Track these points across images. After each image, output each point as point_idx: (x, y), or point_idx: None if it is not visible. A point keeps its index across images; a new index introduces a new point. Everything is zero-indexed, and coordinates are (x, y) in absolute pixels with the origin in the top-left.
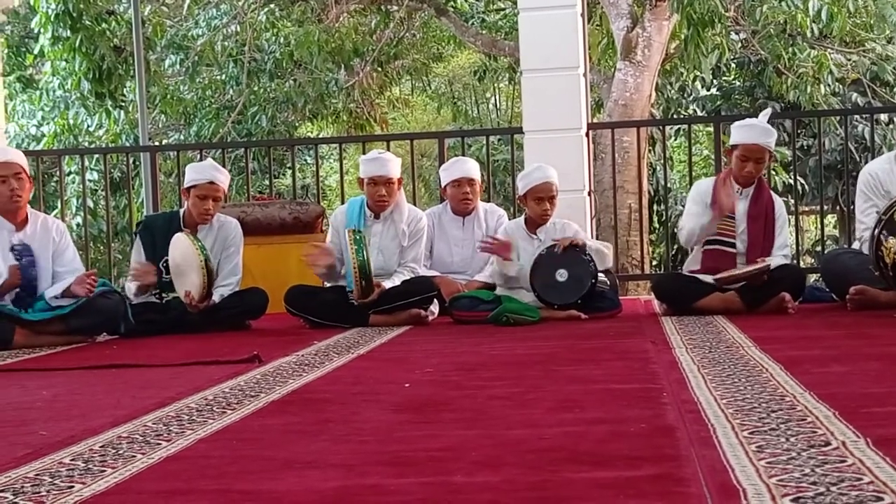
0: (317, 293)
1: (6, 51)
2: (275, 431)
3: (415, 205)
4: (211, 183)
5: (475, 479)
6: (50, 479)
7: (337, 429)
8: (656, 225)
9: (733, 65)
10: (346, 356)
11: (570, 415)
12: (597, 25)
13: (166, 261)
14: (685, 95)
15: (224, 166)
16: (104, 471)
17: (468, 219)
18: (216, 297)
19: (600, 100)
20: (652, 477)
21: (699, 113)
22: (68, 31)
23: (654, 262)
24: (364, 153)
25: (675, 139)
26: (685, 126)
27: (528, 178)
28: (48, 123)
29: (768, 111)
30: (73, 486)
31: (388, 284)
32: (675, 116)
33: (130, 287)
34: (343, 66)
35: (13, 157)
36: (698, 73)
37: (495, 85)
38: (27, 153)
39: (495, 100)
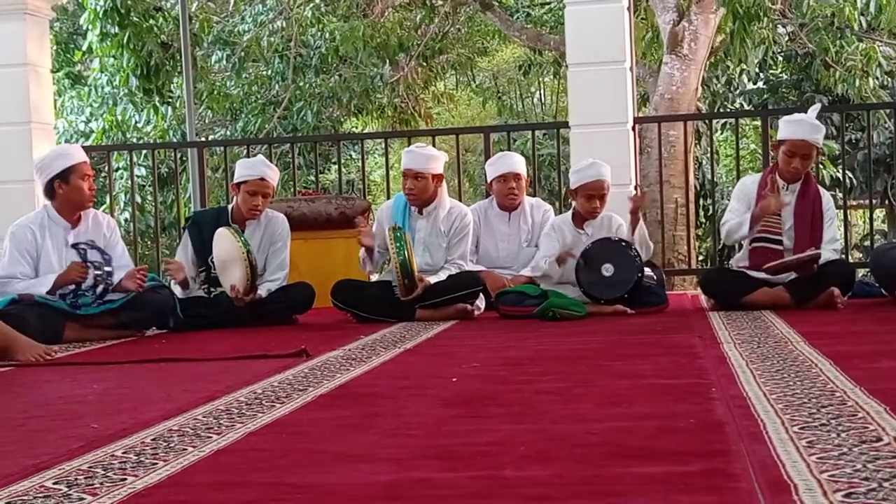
0: (363, 288)
1: (55, 47)
2: (324, 425)
3: (459, 200)
4: (261, 179)
5: (525, 473)
6: (103, 472)
7: (386, 423)
8: (702, 220)
9: (780, 58)
10: (392, 350)
11: (618, 410)
12: (642, 19)
13: (213, 257)
14: (731, 89)
15: (270, 161)
16: (156, 463)
17: (514, 214)
18: (263, 292)
19: (646, 94)
20: (702, 472)
21: (746, 107)
22: (116, 28)
23: (700, 257)
24: None
25: (722, 133)
26: (731, 120)
27: (582, 174)
28: (96, 120)
29: (817, 107)
30: (125, 479)
31: (433, 279)
32: (721, 110)
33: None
34: (388, 61)
35: (87, 157)
36: (745, 67)
37: (540, 79)
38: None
39: (540, 94)
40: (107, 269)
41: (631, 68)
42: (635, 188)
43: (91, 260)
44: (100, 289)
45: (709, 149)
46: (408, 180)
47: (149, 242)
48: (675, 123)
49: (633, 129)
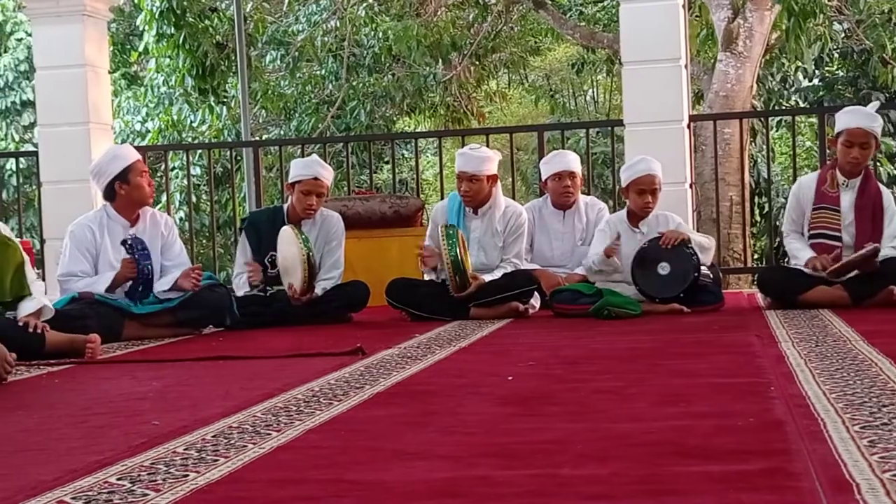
0: (418, 286)
1: (111, 48)
2: (382, 423)
3: (513, 199)
4: (315, 179)
5: (582, 471)
6: (165, 468)
7: (443, 421)
8: (757, 218)
9: (836, 55)
10: (447, 349)
11: (675, 409)
12: (696, 16)
13: (271, 255)
14: (787, 87)
15: (324, 161)
16: (217, 460)
17: (569, 212)
18: (318, 291)
19: (700, 92)
20: (762, 471)
21: (801, 104)
22: (172, 29)
23: (755, 256)
24: (463, 147)
25: (777, 131)
26: (787, 118)
27: (632, 170)
28: (152, 119)
29: (875, 104)
30: (187, 475)
31: (488, 278)
32: (776, 108)
33: (238, 283)
34: (441, 59)
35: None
36: (800, 64)
37: (593, 77)
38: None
39: (593, 92)
40: (146, 262)
41: (686, 66)
42: (690, 186)
43: (138, 255)
44: (142, 282)
45: (764, 146)
46: (463, 182)
47: (203, 241)
48: (729, 121)
49: (689, 126)
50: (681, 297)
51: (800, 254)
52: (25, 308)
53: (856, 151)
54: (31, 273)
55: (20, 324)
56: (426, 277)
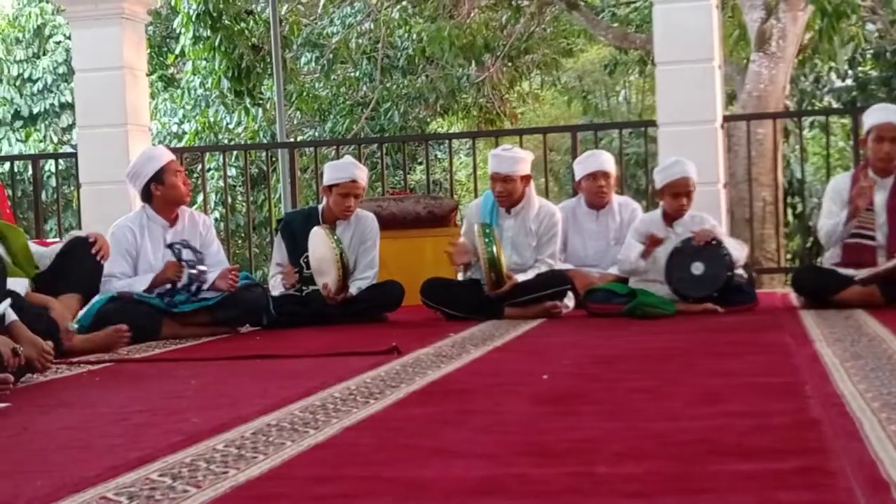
0: (452, 286)
1: (148, 51)
2: (418, 421)
3: (546, 199)
4: (353, 181)
5: (619, 469)
6: (206, 465)
7: (479, 419)
8: (790, 218)
9: (869, 55)
10: (482, 348)
11: (711, 408)
12: (729, 17)
13: (307, 256)
14: (820, 87)
15: (358, 161)
16: (256, 457)
17: (602, 212)
18: (353, 290)
19: (733, 92)
20: (799, 470)
21: (834, 104)
22: (208, 31)
23: (788, 256)
24: (496, 148)
25: (809, 131)
26: (819, 118)
27: (666, 173)
28: (189, 121)
29: None
30: (227, 472)
31: (521, 278)
32: (809, 108)
33: (274, 283)
34: (474, 61)
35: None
36: (833, 64)
37: (625, 78)
38: (170, 150)
39: (625, 93)
40: (200, 267)
41: (719, 66)
42: (724, 186)
43: (185, 259)
44: (194, 287)
45: (797, 147)
46: (496, 183)
47: (239, 242)
48: (763, 122)
49: (722, 127)
50: (715, 296)
51: (836, 219)
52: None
53: (887, 146)
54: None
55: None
56: (460, 277)
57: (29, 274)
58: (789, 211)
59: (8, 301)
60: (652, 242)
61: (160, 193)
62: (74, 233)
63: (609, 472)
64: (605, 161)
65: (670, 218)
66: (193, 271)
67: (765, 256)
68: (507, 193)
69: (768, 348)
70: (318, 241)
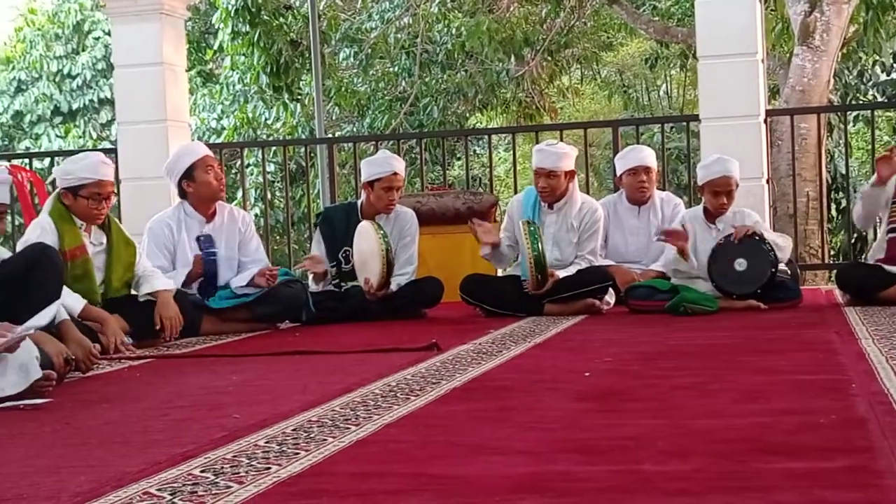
0: (492, 282)
1: (187, 46)
2: (459, 418)
3: (587, 195)
4: (394, 173)
5: (664, 467)
6: (247, 461)
7: (521, 416)
8: (834, 213)
9: None
10: (522, 345)
11: (756, 405)
12: (771, 10)
13: (345, 251)
14: (864, 81)
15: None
16: (298, 453)
17: (644, 208)
18: (393, 286)
19: (775, 86)
20: (846, 468)
21: (878, 98)
22: (247, 27)
23: (832, 252)
24: (537, 143)
25: (854, 125)
26: (863, 112)
27: (707, 170)
28: (228, 117)
29: None
30: (269, 468)
31: (562, 274)
32: (853, 102)
33: (310, 277)
34: (513, 55)
35: (209, 150)
36: (878, 58)
37: (666, 72)
38: (209, 146)
39: (666, 87)
40: (212, 250)
41: (762, 60)
42: (767, 181)
43: (206, 251)
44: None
45: (841, 141)
46: (541, 178)
47: (278, 237)
48: (806, 116)
49: (765, 122)
50: (758, 293)
51: (863, 194)
52: None
53: None
54: (146, 265)
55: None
56: (499, 273)
57: (125, 291)
58: (833, 206)
59: (59, 302)
60: (675, 238)
61: (192, 190)
62: (31, 238)
63: (654, 469)
64: (647, 156)
65: (712, 214)
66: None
67: (809, 252)
68: (551, 189)
69: (813, 345)
70: (366, 236)
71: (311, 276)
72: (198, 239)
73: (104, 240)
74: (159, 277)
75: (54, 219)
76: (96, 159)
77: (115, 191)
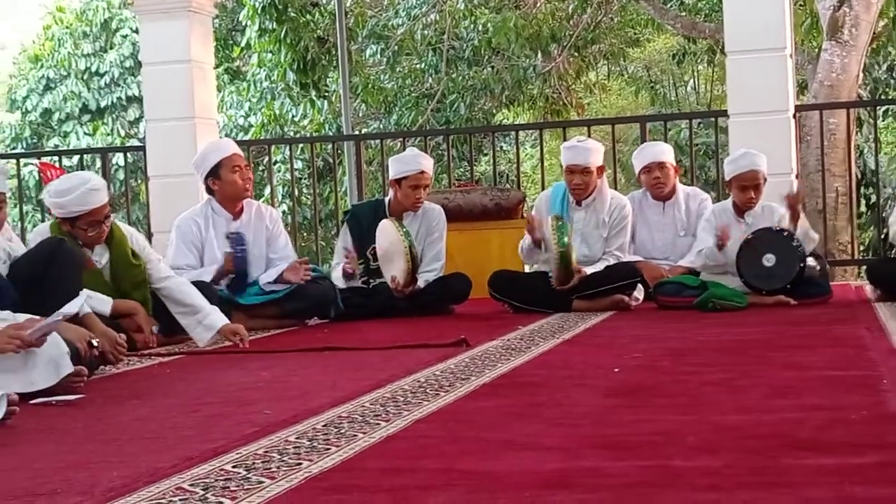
0: (520, 278)
1: (214, 43)
2: (489, 413)
3: (615, 191)
4: (421, 172)
5: (694, 463)
6: (279, 456)
7: (550, 412)
8: (863, 209)
9: None
10: (551, 341)
11: (786, 401)
12: (800, 5)
13: (373, 248)
14: (894, 75)
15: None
16: (328, 448)
17: (668, 203)
18: (421, 283)
19: (804, 81)
20: (877, 464)
21: None
22: (274, 24)
23: (862, 248)
24: (564, 139)
25: (883, 120)
26: (893, 107)
27: (735, 165)
28: (255, 114)
29: None
30: (300, 463)
31: (591, 270)
32: (882, 97)
33: (336, 275)
34: (540, 51)
35: (237, 148)
36: None
37: (694, 68)
38: (237, 143)
39: (694, 83)
40: (240, 247)
41: (791, 56)
42: (796, 177)
43: (236, 248)
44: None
45: (870, 136)
46: (574, 176)
47: (305, 234)
48: (835, 111)
49: (794, 117)
50: (787, 288)
51: None
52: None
53: None
54: (164, 271)
55: None
56: (526, 269)
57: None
58: (862, 202)
59: (85, 294)
60: (724, 237)
61: (218, 188)
62: (43, 233)
63: (685, 465)
64: (659, 152)
65: (740, 209)
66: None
67: (838, 248)
68: (585, 185)
69: (843, 341)
70: (387, 234)
71: (336, 272)
72: (228, 236)
73: (106, 256)
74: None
75: (54, 234)
76: (84, 189)
77: (111, 209)
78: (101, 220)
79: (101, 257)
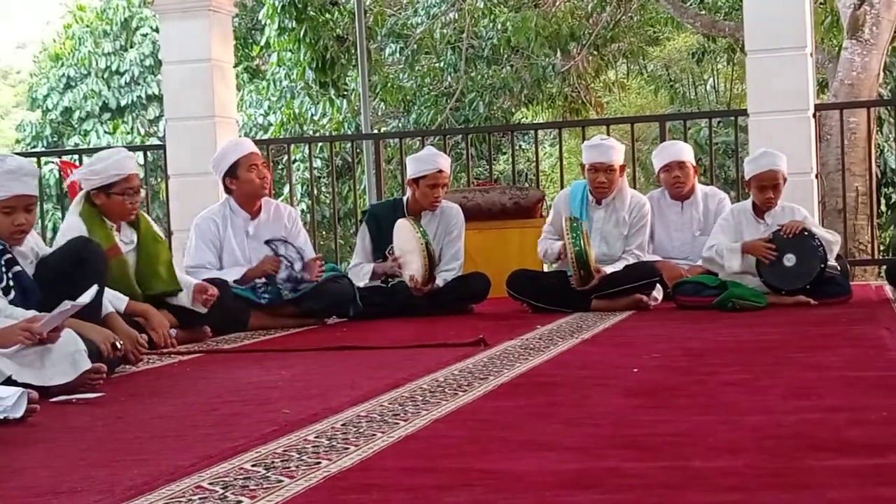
0: (539, 278)
1: (233, 42)
2: (508, 413)
3: (635, 190)
4: (439, 171)
5: (715, 464)
6: (297, 455)
7: (569, 412)
8: (883, 208)
9: None
10: (570, 340)
11: (806, 402)
12: (820, 3)
13: (391, 248)
14: None
15: (444, 153)
16: (347, 448)
17: (686, 203)
18: (439, 282)
19: (824, 80)
20: None
21: None
22: (293, 23)
23: (882, 247)
24: (583, 138)
25: None
26: None
27: (754, 164)
28: (274, 113)
29: None
30: (319, 462)
31: (610, 269)
32: None
33: (357, 273)
34: (559, 50)
35: (255, 147)
36: None
37: (713, 66)
38: (256, 142)
39: (713, 81)
40: (297, 265)
41: (811, 54)
42: (816, 176)
43: (283, 254)
44: (290, 285)
45: (890, 136)
46: (599, 174)
47: (324, 233)
48: (855, 110)
49: (814, 116)
50: (807, 289)
51: None
52: (181, 300)
53: None
54: (180, 271)
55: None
56: (545, 268)
57: (172, 288)
58: (882, 201)
59: (95, 288)
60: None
61: (235, 187)
62: (74, 228)
63: (705, 466)
64: (679, 151)
65: (760, 209)
66: (296, 273)
67: (858, 248)
68: (609, 183)
69: (863, 341)
70: (404, 233)
71: (359, 271)
72: (268, 242)
73: (135, 237)
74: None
75: (84, 220)
76: (123, 155)
77: (143, 184)
78: (136, 190)
79: (130, 237)
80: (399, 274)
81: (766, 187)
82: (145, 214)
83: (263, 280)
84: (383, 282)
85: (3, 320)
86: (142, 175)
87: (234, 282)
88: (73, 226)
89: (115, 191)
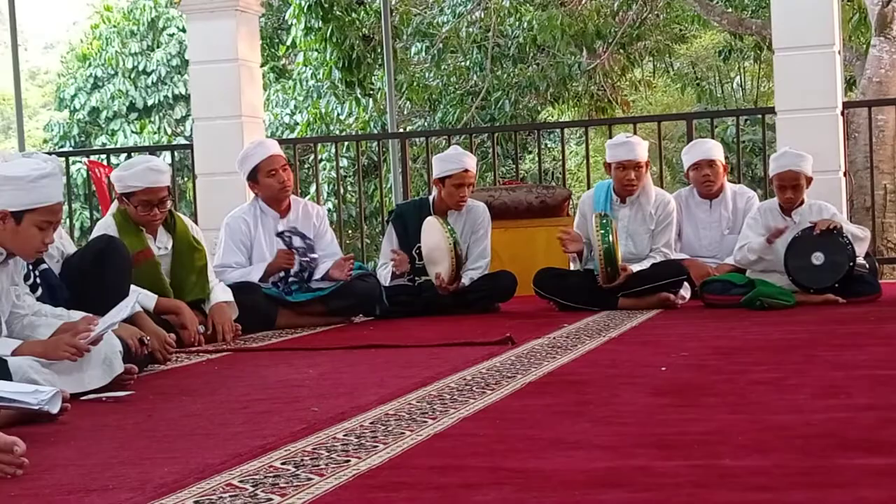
0: (566, 276)
1: (260, 42)
2: (536, 412)
3: (661, 188)
4: (465, 170)
5: (744, 462)
6: (327, 454)
7: (598, 411)
8: None
9: None
10: (597, 339)
11: (835, 401)
12: (848, 1)
13: (418, 247)
14: None
15: (470, 152)
16: (376, 446)
17: (715, 201)
18: (466, 280)
19: (851, 78)
20: None
21: None
22: (320, 22)
23: None
24: (609, 136)
25: None
26: None
27: (775, 163)
28: (301, 112)
29: None
30: (349, 460)
31: (636, 268)
32: None
33: (384, 273)
34: (585, 48)
35: (279, 150)
36: None
37: (740, 64)
38: (283, 141)
39: (740, 79)
40: (311, 255)
41: (839, 52)
42: (844, 174)
43: (296, 246)
44: (306, 274)
45: None
46: (629, 171)
47: (350, 232)
48: (883, 108)
49: (842, 114)
50: (836, 287)
51: None
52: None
53: None
54: (211, 275)
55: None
56: (573, 267)
57: (195, 296)
58: None
59: (137, 292)
60: (776, 234)
61: (257, 191)
62: (105, 226)
63: (735, 465)
64: (709, 149)
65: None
66: (305, 258)
67: (886, 246)
68: (637, 180)
69: (892, 340)
70: (432, 231)
71: (384, 271)
72: (280, 234)
73: (169, 244)
74: (217, 289)
75: (117, 222)
76: (144, 166)
77: (171, 193)
78: (155, 202)
79: (165, 243)
80: (405, 269)
81: (786, 187)
82: (184, 218)
83: (281, 275)
84: (410, 280)
85: (49, 320)
86: (169, 175)
87: (259, 280)
88: (102, 225)
89: (133, 201)
